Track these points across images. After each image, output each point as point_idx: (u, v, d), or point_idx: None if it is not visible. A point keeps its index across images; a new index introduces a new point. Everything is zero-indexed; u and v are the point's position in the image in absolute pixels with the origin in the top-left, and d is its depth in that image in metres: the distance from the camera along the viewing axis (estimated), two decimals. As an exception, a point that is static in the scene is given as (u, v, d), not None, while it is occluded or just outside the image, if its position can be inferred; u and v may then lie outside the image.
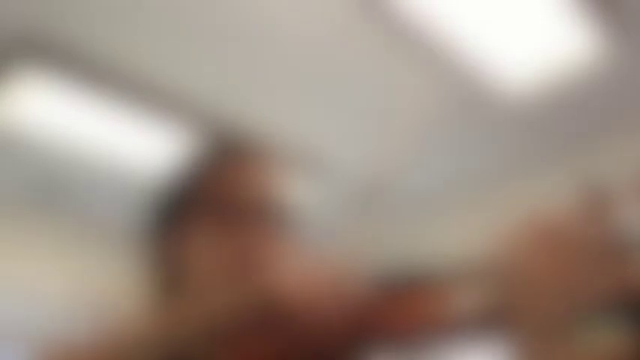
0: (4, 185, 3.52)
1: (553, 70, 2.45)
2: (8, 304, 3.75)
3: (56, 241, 4.03)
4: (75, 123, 2.75)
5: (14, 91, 2.48)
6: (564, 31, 2.21)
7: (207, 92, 2.71)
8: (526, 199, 3.39)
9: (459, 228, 3.66)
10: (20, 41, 2.35)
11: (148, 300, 0.82)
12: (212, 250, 0.74)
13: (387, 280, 0.67)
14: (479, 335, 0.56)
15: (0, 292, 3.67)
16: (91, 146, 2.94)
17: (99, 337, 0.72)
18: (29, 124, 2.72)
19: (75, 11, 2.19)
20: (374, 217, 3.89)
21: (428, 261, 0.67)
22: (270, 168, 0.85)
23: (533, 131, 3.07)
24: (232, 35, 2.32)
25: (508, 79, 2.52)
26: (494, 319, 0.56)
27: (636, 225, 0.56)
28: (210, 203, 0.76)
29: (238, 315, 0.60)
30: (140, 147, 2.99)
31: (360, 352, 0.59)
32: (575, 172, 3.26)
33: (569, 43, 2.28)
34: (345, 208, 3.86)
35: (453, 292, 0.59)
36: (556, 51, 2.33)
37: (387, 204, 3.75)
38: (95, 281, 4.08)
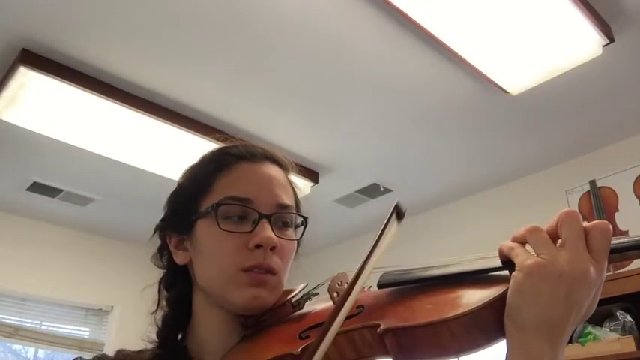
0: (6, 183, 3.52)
1: (554, 69, 2.45)
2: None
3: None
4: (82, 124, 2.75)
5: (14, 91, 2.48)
6: (565, 30, 2.21)
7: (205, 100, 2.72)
8: (526, 198, 3.41)
9: (462, 227, 3.66)
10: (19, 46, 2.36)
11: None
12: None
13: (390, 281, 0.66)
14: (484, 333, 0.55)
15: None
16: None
17: None
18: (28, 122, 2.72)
19: (69, 23, 2.19)
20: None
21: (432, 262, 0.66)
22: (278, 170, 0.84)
23: (534, 130, 3.07)
24: (228, 45, 2.32)
25: (510, 78, 2.51)
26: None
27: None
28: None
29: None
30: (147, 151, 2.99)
31: None
32: (575, 172, 3.26)
33: (571, 43, 2.28)
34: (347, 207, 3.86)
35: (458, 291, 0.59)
36: (557, 51, 2.33)
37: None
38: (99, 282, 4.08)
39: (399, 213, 0.63)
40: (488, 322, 0.54)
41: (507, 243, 0.58)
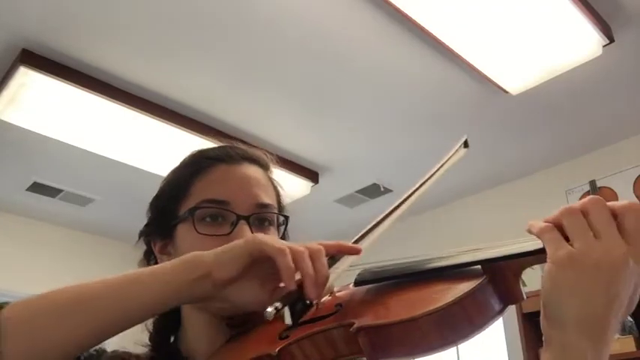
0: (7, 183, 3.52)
1: (554, 69, 2.45)
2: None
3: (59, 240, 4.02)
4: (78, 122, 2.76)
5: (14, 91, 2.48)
6: (565, 30, 2.21)
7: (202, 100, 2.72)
8: (526, 198, 3.41)
9: (462, 227, 3.66)
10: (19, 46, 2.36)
11: None
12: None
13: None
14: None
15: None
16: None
17: None
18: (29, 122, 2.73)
19: (67, 25, 2.20)
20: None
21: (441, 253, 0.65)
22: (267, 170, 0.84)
23: (534, 130, 3.07)
24: (228, 45, 2.33)
25: (510, 78, 2.51)
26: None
27: None
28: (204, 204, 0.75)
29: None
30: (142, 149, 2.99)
31: None
32: (575, 172, 3.26)
33: (571, 43, 2.28)
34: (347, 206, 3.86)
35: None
36: (557, 51, 2.33)
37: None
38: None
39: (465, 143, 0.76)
40: (459, 319, 0.53)
41: (538, 223, 0.53)
